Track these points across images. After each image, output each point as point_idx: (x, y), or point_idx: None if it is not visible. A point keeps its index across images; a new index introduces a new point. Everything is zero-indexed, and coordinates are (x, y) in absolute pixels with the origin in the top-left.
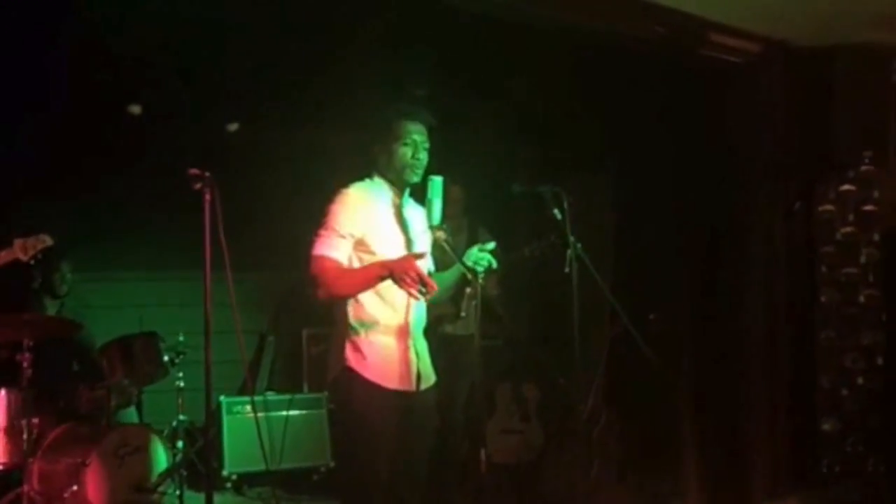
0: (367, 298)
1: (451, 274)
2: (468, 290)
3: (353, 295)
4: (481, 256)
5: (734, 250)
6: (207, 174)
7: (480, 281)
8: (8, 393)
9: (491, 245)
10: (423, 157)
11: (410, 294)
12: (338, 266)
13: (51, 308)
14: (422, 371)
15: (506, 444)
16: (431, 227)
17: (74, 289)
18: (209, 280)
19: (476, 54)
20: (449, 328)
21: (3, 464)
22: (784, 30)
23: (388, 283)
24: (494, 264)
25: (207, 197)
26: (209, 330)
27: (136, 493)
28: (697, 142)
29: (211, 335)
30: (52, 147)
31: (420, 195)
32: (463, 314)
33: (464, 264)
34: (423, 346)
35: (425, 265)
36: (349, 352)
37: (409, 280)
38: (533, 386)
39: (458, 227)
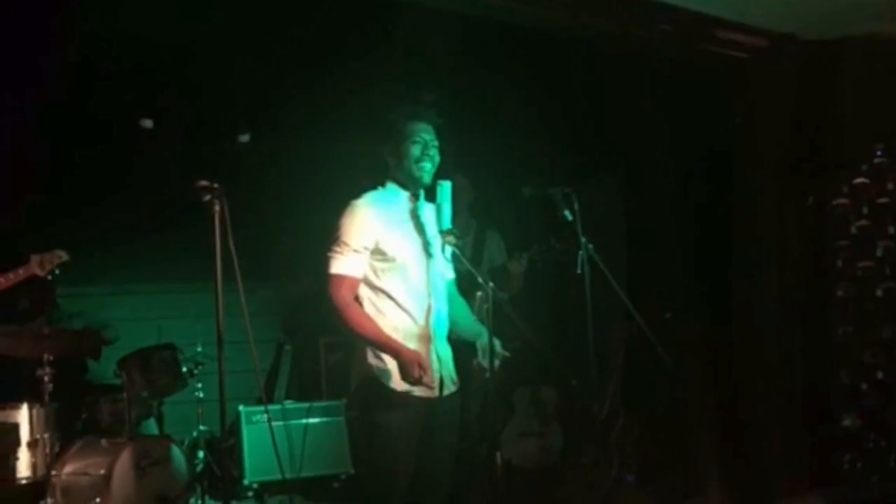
0: (388, 307)
1: (471, 329)
2: (479, 293)
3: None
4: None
5: (748, 247)
6: (216, 185)
7: (491, 285)
8: (30, 407)
9: (505, 355)
10: (434, 154)
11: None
12: (356, 283)
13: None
14: (444, 376)
15: (525, 448)
16: (441, 232)
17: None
18: (220, 290)
19: (484, 58)
20: None
21: (27, 478)
22: (791, 24)
23: (407, 290)
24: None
25: (217, 208)
26: (221, 340)
27: None
28: (707, 139)
29: (224, 345)
30: (66, 162)
31: (433, 199)
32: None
33: (473, 268)
34: (445, 351)
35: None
36: (371, 360)
37: (411, 378)
38: (551, 388)
39: (466, 227)
